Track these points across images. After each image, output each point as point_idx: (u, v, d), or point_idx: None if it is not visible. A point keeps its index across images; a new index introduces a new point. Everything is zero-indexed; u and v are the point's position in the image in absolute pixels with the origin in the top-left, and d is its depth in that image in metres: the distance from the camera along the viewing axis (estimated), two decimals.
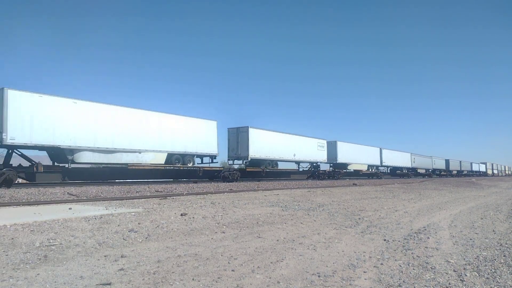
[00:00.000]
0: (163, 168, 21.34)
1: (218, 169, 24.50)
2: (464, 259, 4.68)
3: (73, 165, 17.74)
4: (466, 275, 3.94)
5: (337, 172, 35.61)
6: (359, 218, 8.11)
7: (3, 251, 4.54)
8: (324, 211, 9.17)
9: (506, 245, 5.57)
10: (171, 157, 21.38)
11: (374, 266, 4.24)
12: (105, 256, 4.40)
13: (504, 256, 4.89)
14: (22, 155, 17.01)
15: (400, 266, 4.28)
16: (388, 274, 3.93)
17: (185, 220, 7.17)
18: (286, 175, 31.81)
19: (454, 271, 4.12)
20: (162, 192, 14.97)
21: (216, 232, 6.09)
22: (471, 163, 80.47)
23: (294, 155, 30.13)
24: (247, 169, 26.68)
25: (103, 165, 19.99)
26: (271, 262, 4.29)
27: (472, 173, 78.30)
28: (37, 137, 15.93)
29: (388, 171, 49.03)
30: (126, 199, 11.59)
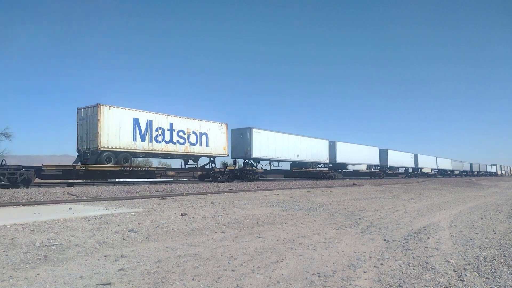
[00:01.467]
0: (367, 171, 45.43)
1: (377, 171, 47.69)
2: (464, 259, 4.68)
3: (346, 171, 41.85)
4: (466, 275, 3.94)
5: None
6: (359, 218, 8.11)
7: (3, 251, 4.54)
8: (324, 211, 9.18)
9: (506, 245, 5.57)
10: (366, 166, 45.25)
11: (374, 266, 4.24)
12: (105, 256, 4.41)
13: (504, 256, 4.89)
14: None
15: (400, 266, 4.28)
16: (388, 274, 3.93)
17: (185, 220, 7.18)
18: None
19: (454, 271, 4.12)
20: (162, 192, 14.98)
21: (216, 232, 6.09)
22: (486, 165, 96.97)
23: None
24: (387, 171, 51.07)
25: (353, 170, 43.57)
26: (271, 262, 4.29)
27: (486, 173, 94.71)
28: (341, 159, 38.60)
29: (437, 172, 68.54)
30: (126, 199, 11.60)
